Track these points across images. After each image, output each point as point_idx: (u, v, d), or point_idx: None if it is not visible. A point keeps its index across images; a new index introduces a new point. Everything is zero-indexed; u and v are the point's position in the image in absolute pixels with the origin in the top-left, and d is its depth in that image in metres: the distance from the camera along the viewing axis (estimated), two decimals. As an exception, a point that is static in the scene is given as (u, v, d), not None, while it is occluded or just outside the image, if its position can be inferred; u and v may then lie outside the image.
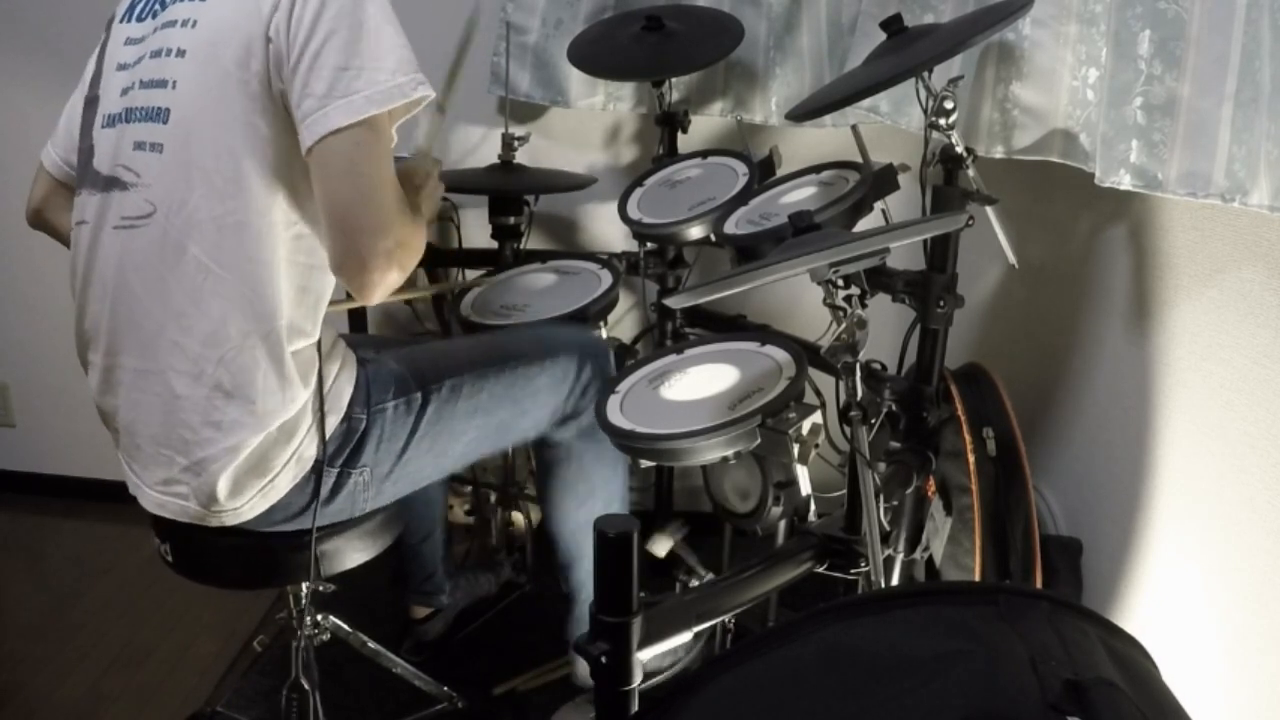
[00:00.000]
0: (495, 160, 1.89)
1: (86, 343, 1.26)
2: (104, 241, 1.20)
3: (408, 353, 1.41)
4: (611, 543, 0.92)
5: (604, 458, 1.50)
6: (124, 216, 1.17)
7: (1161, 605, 1.46)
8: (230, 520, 1.22)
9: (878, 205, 1.45)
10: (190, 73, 1.13)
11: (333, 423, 1.24)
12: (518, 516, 2.08)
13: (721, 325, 1.85)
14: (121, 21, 1.24)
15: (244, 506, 1.21)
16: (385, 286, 1.12)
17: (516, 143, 1.88)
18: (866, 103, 1.67)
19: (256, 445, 1.18)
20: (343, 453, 1.26)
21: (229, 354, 1.16)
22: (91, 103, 1.25)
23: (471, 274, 1.87)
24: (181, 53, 1.14)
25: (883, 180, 1.45)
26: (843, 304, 1.14)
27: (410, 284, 1.58)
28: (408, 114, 1.17)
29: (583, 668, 1.61)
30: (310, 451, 1.23)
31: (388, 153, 1.13)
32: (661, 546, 1.52)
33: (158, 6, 1.19)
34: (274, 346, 1.17)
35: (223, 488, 1.19)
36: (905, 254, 1.45)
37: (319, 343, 1.23)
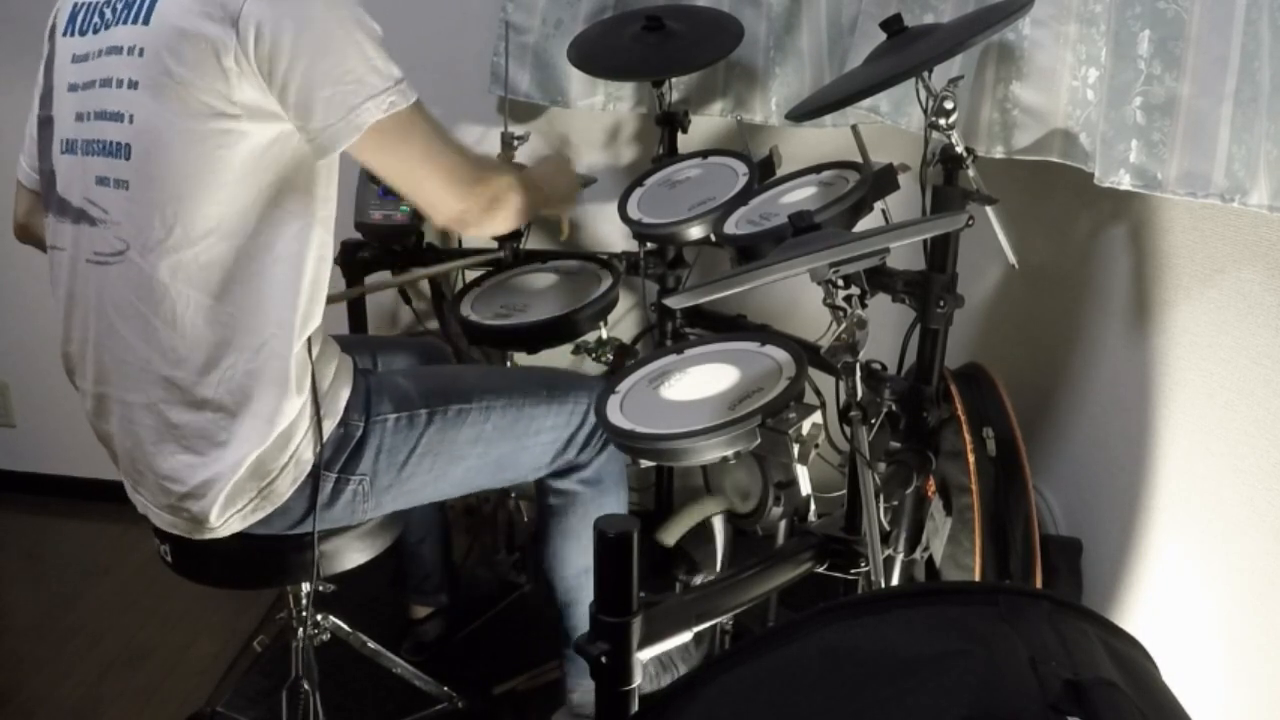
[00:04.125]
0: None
1: (73, 367, 1.25)
2: (80, 274, 1.18)
3: (418, 371, 1.42)
4: (611, 543, 0.92)
5: (606, 509, 1.50)
6: (96, 252, 1.15)
7: (1161, 605, 1.46)
8: (236, 526, 1.22)
9: (878, 205, 1.45)
10: (146, 105, 1.09)
11: (328, 427, 1.23)
12: (518, 517, 2.08)
13: (721, 325, 1.84)
14: (65, 35, 1.20)
15: (236, 516, 1.21)
16: (494, 227, 1.30)
17: (516, 142, 1.88)
18: (866, 103, 1.67)
19: (257, 455, 1.18)
20: (339, 458, 1.25)
21: (227, 375, 1.14)
22: (46, 124, 1.22)
23: (471, 275, 1.87)
24: (134, 84, 1.09)
25: (883, 180, 1.44)
26: (843, 304, 1.14)
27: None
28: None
29: (581, 694, 1.61)
30: (308, 455, 1.22)
31: (412, 139, 1.16)
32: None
33: (97, 20, 1.15)
34: (270, 357, 1.15)
35: (223, 501, 1.19)
36: (905, 254, 1.45)
37: (309, 343, 1.21)
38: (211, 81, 1.06)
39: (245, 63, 1.05)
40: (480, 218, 1.26)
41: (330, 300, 1.25)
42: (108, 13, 1.13)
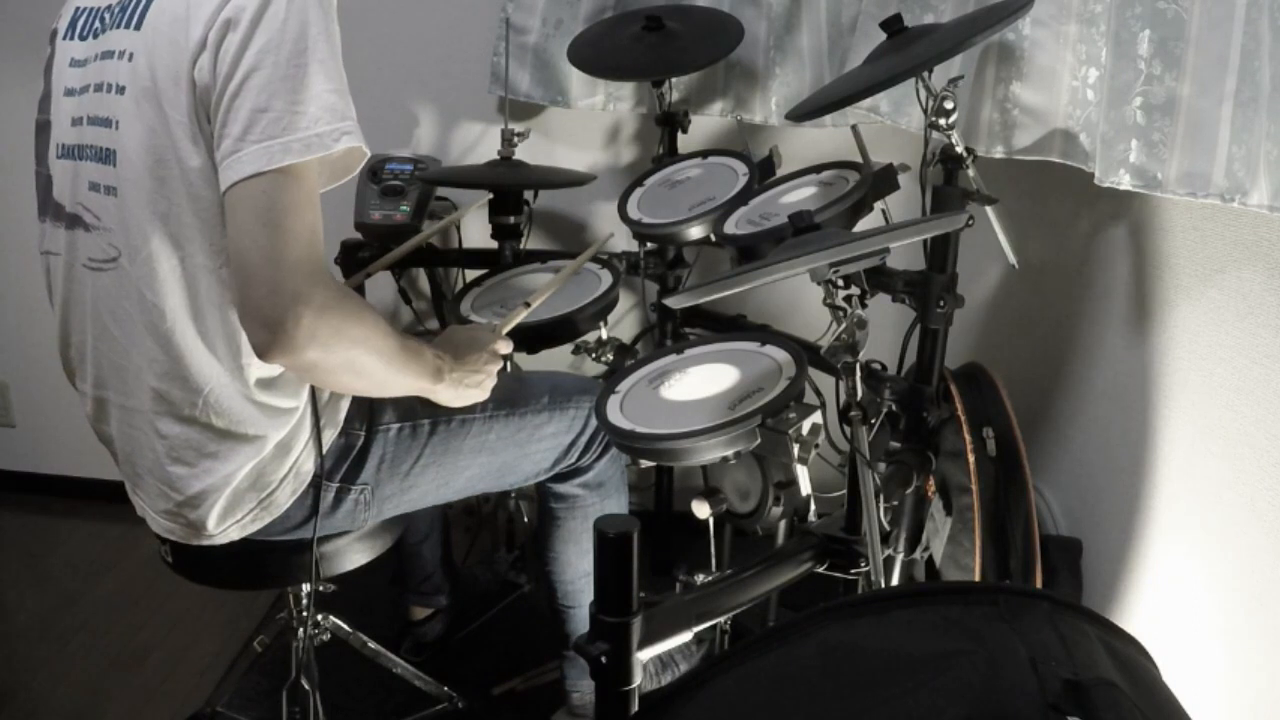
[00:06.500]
0: (495, 158, 1.89)
1: (73, 370, 1.24)
2: (77, 278, 1.17)
3: None
4: (611, 543, 0.92)
5: (608, 512, 1.49)
6: (90, 258, 1.14)
7: (1161, 605, 1.46)
8: (235, 535, 1.22)
9: (878, 205, 1.45)
10: (130, 112, 1.07)
11: (329, 437, 1.23)
12: (518, 516, 2.08)
13: (721, 325, 1.85)
14: (65, 38, 1.18)
15: (234, 526, 1.21)
16: (293, 353, 1.00)
17: (516, 138, 1.87)
18: (866, 103, 1.67)
19: (253, 465, 1.17)
20: (341, 468, 1.25)
21: (211, 394, 1.13)
22: (44, 127, 1.21)
23: (471, 274, 1.87)
24: (121, 89, 1.08)
25: (883, 180, 1.45)
26: (843, 304, 1.14)
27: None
28: (347, 174, 1.11)
29: (580, 696, 1.62)
30: (308, 465, 1.22)
31: (307, 204, 1.02)
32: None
33: (98, 24, 1.13)
34: (256, 375, 1.14)
35: (221, 510, 1.18)
36: (905, 254, 1.45)
37: None
38: (181, 90, 1.03)
39: (209, 74, 1.02)
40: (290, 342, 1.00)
41: None
42: (107, 17, 1.12)
